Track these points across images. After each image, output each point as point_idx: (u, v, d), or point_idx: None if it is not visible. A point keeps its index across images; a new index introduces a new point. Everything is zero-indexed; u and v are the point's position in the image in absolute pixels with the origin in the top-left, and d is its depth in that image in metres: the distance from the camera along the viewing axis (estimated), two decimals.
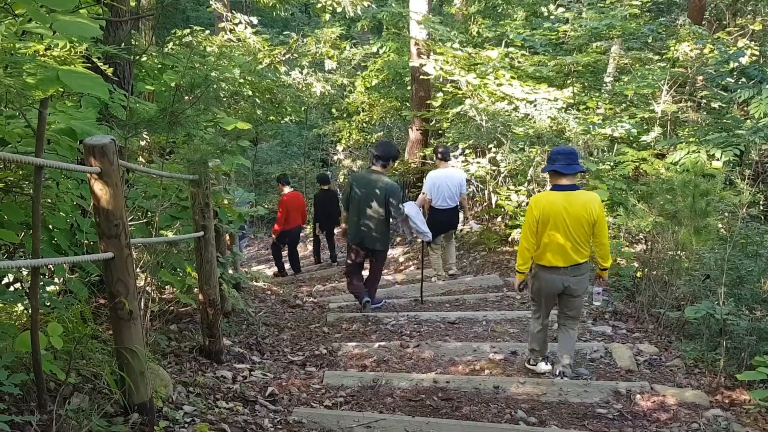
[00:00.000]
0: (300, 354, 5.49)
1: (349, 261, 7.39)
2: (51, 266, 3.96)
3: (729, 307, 5.49)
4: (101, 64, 4.32)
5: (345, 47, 11.53)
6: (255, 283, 8.15)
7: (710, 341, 5.68)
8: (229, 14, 9.88)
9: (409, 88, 13.89)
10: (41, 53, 3.21)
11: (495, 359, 5.53)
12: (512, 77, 10.73)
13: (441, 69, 10.83)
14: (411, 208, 7.69)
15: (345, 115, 15.65)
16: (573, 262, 5.12)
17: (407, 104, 14.20)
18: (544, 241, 5.11)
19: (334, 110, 16.09)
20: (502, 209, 10.82)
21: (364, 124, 14.90)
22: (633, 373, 5.33)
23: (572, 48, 12.63)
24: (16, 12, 2.58)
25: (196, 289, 4.73)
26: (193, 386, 4.00)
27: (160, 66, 5.62)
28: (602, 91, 12.86)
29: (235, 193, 5.97)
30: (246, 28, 9.75)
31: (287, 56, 10.54)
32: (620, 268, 7.96)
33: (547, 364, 5.40)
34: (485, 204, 11.59)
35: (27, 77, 2.32)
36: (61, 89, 2.27)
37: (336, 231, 12.62)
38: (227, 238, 7.35)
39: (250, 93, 9.82)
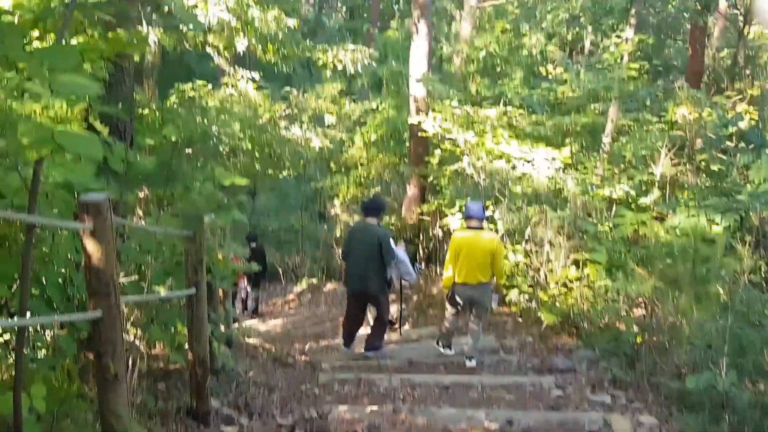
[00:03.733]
0: (290, 417, 5.30)
1: (347, 310, 8.17)
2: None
3: (731, 378, 5.36)
4: (98, 122, 4.26)
5: (345, 103, 11.57)
6: (247, 340, 7.98)
7: (712, 414, 5.52)
8: (231, 69, 9.95)
9: (407, 144, 13.92)
10: (37, 112, 3.16)
11: (490, 428, 5.35)
12: (510, 136, 10.76)
13: (439, 127, 10.86)
14: (399, 252, 8.32)
15: (343, 170, 15.66)
16: (478, 281, 7.39)
17: (405, 160, 14.23)
18: (459, 265, 7.39)
19: (332, 164, 16.12)
20: None
21: (362, 179, 14.90)
22: None
23: (570, 108, 12.72)
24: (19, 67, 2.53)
25: (186, 347, 4.59)
26: None
27: (160, 120, 5.59)
28: (601, 151, 12.91)
29: (229, 249, 5.87)
30: (248, 83, 9.80)
31: (287, 111, 10.58)
32: (619, 333, 7.82)
33: (451, 350, 7.91)
34: None
35: (21, 137, 2.25)
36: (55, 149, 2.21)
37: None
38: (221, 293, 7.24)
39: (249, 147, 9.83)
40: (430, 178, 12.92)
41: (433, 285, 11.95)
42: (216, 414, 4.76)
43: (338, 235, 14.85)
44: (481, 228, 7.59)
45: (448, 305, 7.90)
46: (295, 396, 5.94)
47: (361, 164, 14.90)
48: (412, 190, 13.41)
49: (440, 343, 8.05)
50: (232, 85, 9.89)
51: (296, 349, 8.93)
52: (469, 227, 7.58)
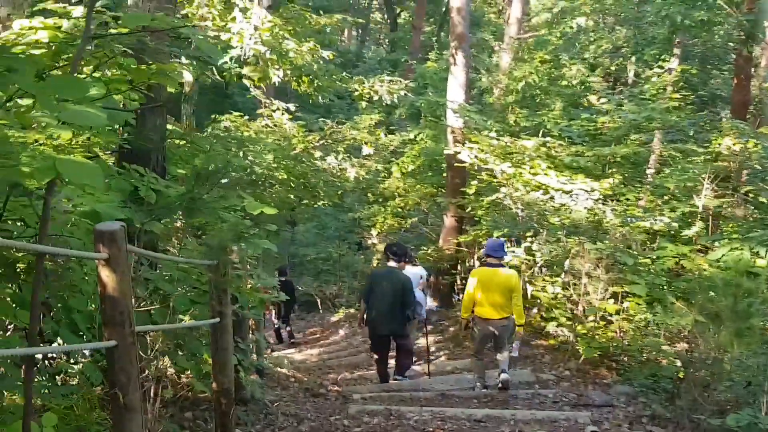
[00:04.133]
0: None
1: (374, 354, 8.59)
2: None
3: None
4: (104, 154, 4.31)
5: (380, 134, 11.57)
6: (279, 369, 7.96)
7: None
8: (268, 101, 10.05)
9: (444, 174, 13.88)
10: (41, 141, 3.22)
11: None
12: (548, 167, 10.64)
13: (476, 157, 10.81)
14: (417, 293, 8.96)
15: (381, 200, 15.67)
16: (499, 315, 7.60)
17: (442, 191, 14.17)
18: (479, 300, 7.63)
19: (370, 195, 16.14)
20: (537, 300, 10.53)
21: (399, 209, 14.88)
22: None
23: (611, 139, 12.55)
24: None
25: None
26: None
27: (193, 150, 5.66)
28: (643, 183, 12.70)
29: (257, 279, 5.87)
30: (283, 114, 9.88)
31: (321, 142, 10.63)
32: (659, 368, 7.61)
33: (483, 388, 7.87)
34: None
35: (22, 166, 2.29)
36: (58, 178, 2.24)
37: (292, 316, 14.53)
38: (252, 323, 7.25)
39: (284, 177, 9.90)
40: (468, 209, 12.84)
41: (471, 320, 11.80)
42: None
43: (375, 264, 14.81)
44: (501, 265, 7.85)
45: (471, 344, 8.21)
46: (324, 427, 5.89)
47: (399, 195, 14.89)
48: (449, 220, 13.33)
49: (478, 383, 8.04)
50: (268, 116, 9.98)
51: (330, 379, 8.88)
52: (488, 264, 7.86)
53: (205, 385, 4.62)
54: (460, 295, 12.52)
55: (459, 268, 13.14)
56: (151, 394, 3.85)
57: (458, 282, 12.98)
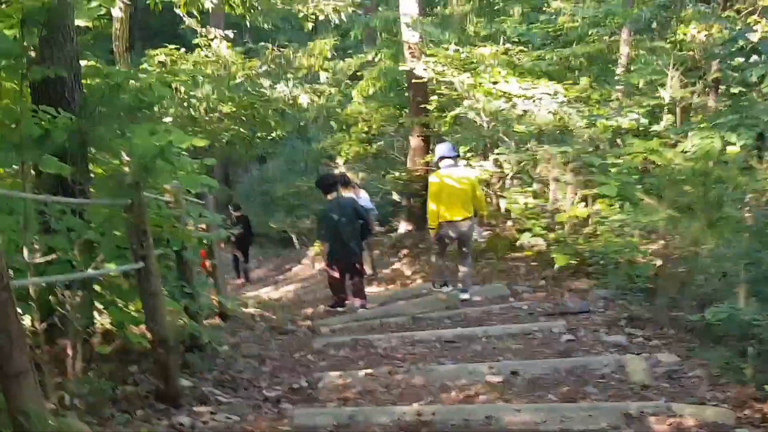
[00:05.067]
0: (277, 389, 4.96)
1: (334, 275, 8.53)
2: None
3: (754, 307, 4.90)
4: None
5: (326, 54, 10.83)
6: (245, 310, 7.66)
7: (737, 346, 5.08)
8: (204, 29, 9.35)
9: (407, 95, 13.37)
10: None
11: (492, 381, 4.95)
12: (508, 74, 10.18)
13: (433, 71, 10.33)
14: (366, 202, 9.46)
15: (344, 128, 15.17)
16: (463, 216, 7.66)
17: (406, 111, 13.69)
18: (443, 204, 7.65)
19: (333, 123, 15.63)
20: (510, 213, 10.25)
21: (363, 135, 14.40)
22: (649, 389, 4.73)
23: (572, 40, 12.09)
24: None
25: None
26: None
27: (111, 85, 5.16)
28: (611, 83, 12.28)
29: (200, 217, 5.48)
30: (221, 42, 9.22)
31: (264, 68, 9.97)
32: (636, 268, 7.37)
33: (447, 286, 8.13)
34: (494, 209, 10.98)
35: None
36: None
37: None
38: (207, 264, 6.90)
39: (231, 109, 9.40)
40: (433, 127, 12.43)
41: None
42: (191, 393, 4.44)
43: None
44: (456, 165, 7.98)
45: (435, 246, 8.31)
46: (288, 365, 5.60)
47: (364, 119, 14.39)
48: (415, 141, 12.91)
49: (435, 285, 8.35)
50: (206, 46, 9.31)
51: (302, 314, 8.60)
52: (444, 167, 7.86)
53: (139, 336, 4.27)
54: None
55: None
56: (68, 352, 3.51)
57: None
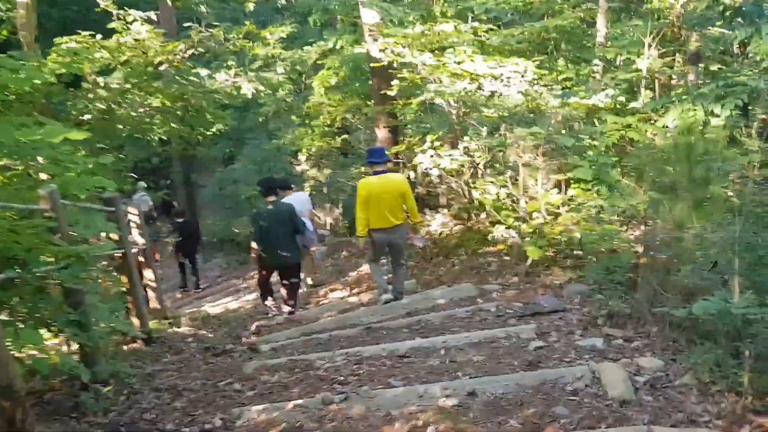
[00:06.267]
0: (185, 431, 4.15)
1: (262, 276, 8.68)
2: None
3: (747, 299, 4.11)
4: None
5: (265, 36, 9.84)
6: (178, 330, 6.82)
7: (730, 346, 4.28)
8: (121, 11, 8.38)
9: (371, 83, 12.49)
10: None
11: (446, 406, 4.14)
12: (474, 52, 9.33)
13: (392, 52, 9.47)
14: (305, 221, 8.98)
15: (306, 122, 14.30)
16: (392, 224, 7.39)
17: (371, 102, 12.82)
18: (371, 211, 7.34)
19: (294, 117, 14.75)
20: (482, 204, 9.41)
21: (326, 128, 13.53)
22: (628, 405, 3.95)
23: (543, 14, 11.27)
24: None
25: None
26: None
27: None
28: (588, 59, 11.46)
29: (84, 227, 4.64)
30: (142, 25, 8.28)
31: (190, 51, 9.02)
32: (616, 258, 6.56)
33: (387, 294, 7.60)
34: (465, 201, 10.15)
35: None
36: None
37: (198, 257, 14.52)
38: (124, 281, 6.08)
39: (156, 103, 8.51)
40: (400, 116, 11.60)
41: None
42: None
43: (307, 192, 13.53)
44: (386, 171, 7.63)
45: (369, 254, 7.92)
46: (208, 397, 4.77)
47: (329, 112, 13.51)
48: (381, 132, 12.05)
49: (380, 301, 7.75)
50: (123, 30, 8.34)
51: (252, 328, 7.79)
52: (374, 173, 7.54)
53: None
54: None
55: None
56: None
57: None
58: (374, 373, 4.96)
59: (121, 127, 8.66)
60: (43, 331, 4.25)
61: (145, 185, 19.40)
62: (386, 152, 8.06)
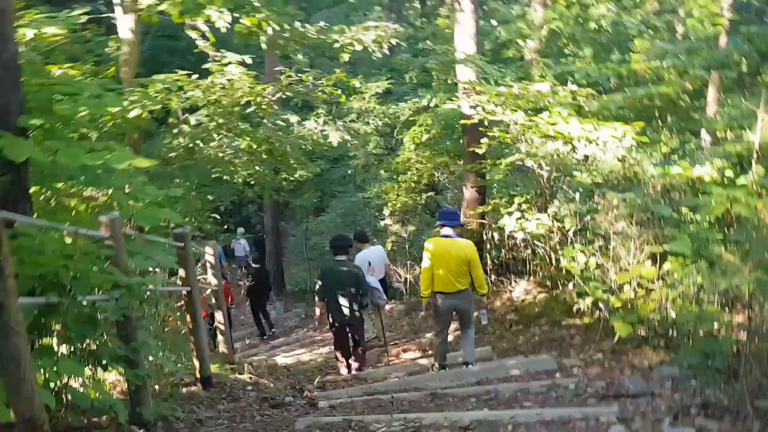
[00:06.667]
0: None
1: (335, 340, 8.46)
2: None
3: None
4: None
5: (354, 84, 9.69)
6: (239, 377, 6.57)
7: None
8: (218, 53, 8.46)
9: (462, 141, 12.20)
10: None
11: None
12: (570, 115, 8.93)
13: (483, 109, 9.20)
14: (371, 279, 8.91)
15: (395, 177, 14.12)
16: (457, 289, 7.24)
17: (460, 161, 12.51)
18: (436, 273, 7.24)
19: (383, 171, 14.61)
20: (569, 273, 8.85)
21: (413, 184, 13.29)
22: None
23: (647, 82, 10.78)
24: None
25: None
26: None
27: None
28: (694, 131, 10.88)
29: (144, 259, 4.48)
30: (236, 67, 8.31)
31: (279, 95, 8.94)
32: (714, 343, 5.91)
33: (445, 370, 7.37)
34: (551, 268, 9.60)
35: None
36: None
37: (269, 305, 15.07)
38: (187, 318, 5.89)
39: (248, 145, 8.50)
40: (488, 177, 11.24)
41: (496, 299, 10.23)
42: None
43: (388, 248, 13.22)
44: (456, 236, 7.51)
45: (432, 322, 7.91)
46: None
47: (417, 168, 13.29)
48: (469, 192, 11.70)
49: (433, 368, 7.67)
50: (218, 72, 8.40)
51: (318, 382, 7.48)
52: (443, 235, 7.45)
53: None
54: (491, 276, 10.96)
55: (488, 244, 11.37)
56: None
57: (488, 261, 11.26)
58: None
59: (209, 167, 8.72)
60: (88, 366, 4.09)
61: (244, 231, 19.80)
62: (459, 216, 7.95)
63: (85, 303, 3.62)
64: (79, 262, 3.62)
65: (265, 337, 13.96)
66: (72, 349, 3.84)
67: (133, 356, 4.14)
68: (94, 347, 3.95)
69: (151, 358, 4.76)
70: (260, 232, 19.95)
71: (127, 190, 4.49)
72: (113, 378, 4.68)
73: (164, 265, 4.54)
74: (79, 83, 4.22)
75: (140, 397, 4.33)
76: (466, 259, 7.24)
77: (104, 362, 3.98)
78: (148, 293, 4.33)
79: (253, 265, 13.83)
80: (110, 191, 4.51)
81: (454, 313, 7.53)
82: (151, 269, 4.97)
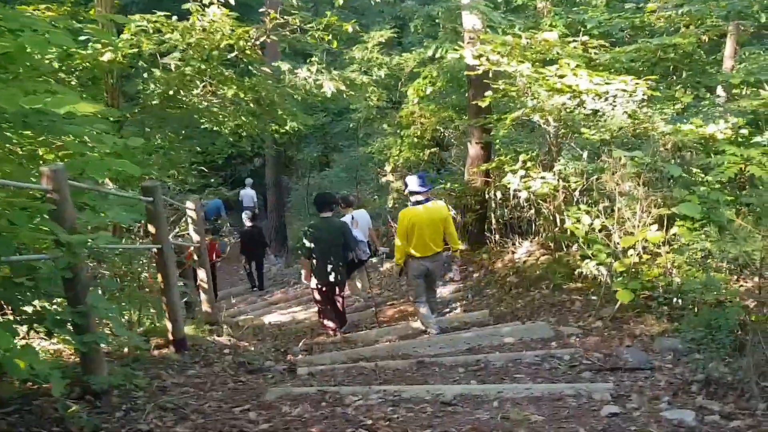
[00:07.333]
0: None
1: (320, 302, 8.29)
2: None
3: None
4: None
5: (347, 29, 9.03)
6: (218, 339, 6.26)
7: None
8: None
9: (467, 95, 11.68)
10: None
11: None
12: (578, 66, 8.41)
13: (488, 59, 8.68)
14: (356, 233, 8.87)
15: (398, 131, 13.62)
16: (433, 252, 7.38)
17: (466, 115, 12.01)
18: (413, 241, 7.31)
19: (386, 126, 14.12)
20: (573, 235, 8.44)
21: (416, 140, 12.81)
22: None
23: (661, 32, 10.20)
24: None
25: None
26: None
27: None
28: (709, 86, 10.31)
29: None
30: (219, 8, 7.72)
31: (262, 38, 8.36)
32: (720, 314, 5.52)
33: (437, 333, 7.28)
34: (556, 229, 9.18)
35: None
36: None
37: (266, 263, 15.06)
38: (160, 283, 5.56)
39: (233, 91, 8.04)
40: (492, 132, 10.76)
41: (498, 260, 9.85)
42: None
43: (389, 205, 12.82)
44: (427, 200, 7.53)
45: (411, 291, 7.99)
46: (216, 425, 4.13)
47: (422, 123, 12.80)
48: (473, 148, 11.23)
49: (429, 332, 7.48)
50: (198, 12, 7.83)
51: (309, 343, 7.19)
52: (415, 203, 7.46)
53: None
54: (495, 235, 10.56)
55: (493, 204, 10.92)
56: None
57: (493, 220, 10.83)
58: (409, 420, 4.20)
59: (194, 116, 8.31)
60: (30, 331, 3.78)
61: (252, 181, 19.44)
62: (425, 179, 7.78)
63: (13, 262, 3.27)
64: (10, 217, 3.26)
65: (254, 289, 14.10)
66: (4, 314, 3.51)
67: (79, 321, 3.81)
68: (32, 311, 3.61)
69: (107, 321, 4.41)
70: (264, 185, 19.62)
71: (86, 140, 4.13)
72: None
73: (119, 220, 4.16)
74: (24, 18, 3.78)
75: (91, 365, 4.02)
76: (443, 219, 7.43)
77: (46, 327, 3.65)
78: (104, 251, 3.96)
79: (247, 224, 13.67)
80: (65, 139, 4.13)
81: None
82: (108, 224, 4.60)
